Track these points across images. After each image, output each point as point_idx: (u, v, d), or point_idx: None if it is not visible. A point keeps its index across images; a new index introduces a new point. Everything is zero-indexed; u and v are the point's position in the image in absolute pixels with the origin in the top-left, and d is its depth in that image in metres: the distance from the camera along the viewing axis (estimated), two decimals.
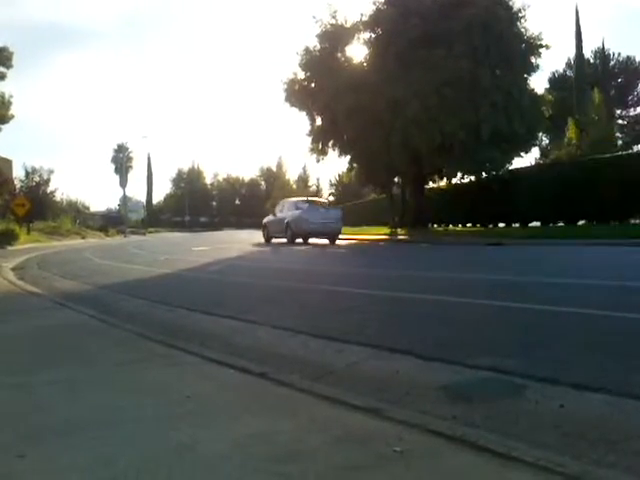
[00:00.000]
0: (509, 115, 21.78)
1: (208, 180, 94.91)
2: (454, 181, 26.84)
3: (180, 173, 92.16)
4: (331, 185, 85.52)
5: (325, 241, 19.48)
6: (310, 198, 23.52)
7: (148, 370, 2.78)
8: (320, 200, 25.73)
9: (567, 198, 20.26)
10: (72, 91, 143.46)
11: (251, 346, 3.53)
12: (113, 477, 1.57)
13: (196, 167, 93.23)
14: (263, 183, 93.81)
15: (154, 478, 1.57)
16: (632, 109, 50.41)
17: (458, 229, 26.03)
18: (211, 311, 4.83)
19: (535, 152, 37.39)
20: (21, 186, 34.72)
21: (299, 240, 19.51)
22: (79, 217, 49.05)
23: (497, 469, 1.56)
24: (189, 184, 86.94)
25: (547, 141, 41.65)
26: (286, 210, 20.27)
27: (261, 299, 5.72)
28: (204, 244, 21.66)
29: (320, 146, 27.29)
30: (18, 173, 37.58)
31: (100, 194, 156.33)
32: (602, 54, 47.73)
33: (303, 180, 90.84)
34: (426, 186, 28.08)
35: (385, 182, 28.30)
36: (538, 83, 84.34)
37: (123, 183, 63.71)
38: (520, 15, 23.45)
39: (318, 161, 28.32)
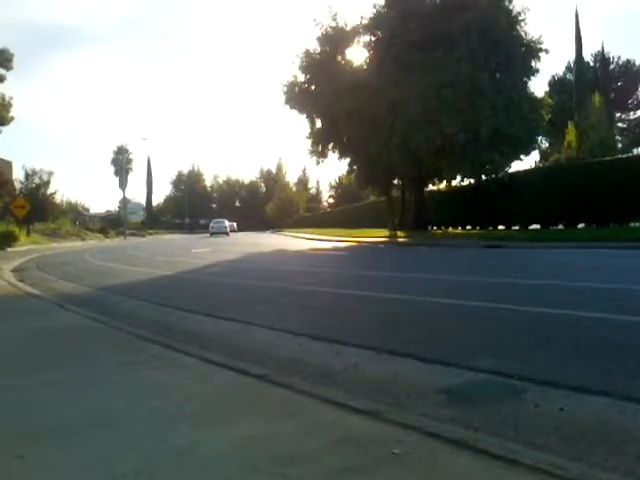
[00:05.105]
0: (509, 118, 21.77)
1: (208, 182, 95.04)
2: (454, 183, 26.86)
3: (180, 175, 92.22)
4: (331, 187, 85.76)
5: (327, 245, 20.53)
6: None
7: (147, 371, 2.78)
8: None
9: (567, 201, 20.26)
10: (72, 93, 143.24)
11: (250, 348, 3.53)
12: (112, 478, 1.57)
13: (196, 169, 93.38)
14: (263, 185, 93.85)
15: (153, 479, 1.57)
16: (632, 112, 50.52)
17: (457, 231, 26.00)
18: (210, 313, 4.83)
19: (535, 155, 37.46)
20: (21, 188, 34.66)
21: (295, 244, 19.77)
22: (79, 219, 49.11)
23: (496, 472, 1.55)
24: (189, 186, 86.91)
25: (547, 144, 41.67)
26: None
27: (260, 301, 5.71)
28: (204, 246, 21.67)
29: (320, 148, 27.30)
30: (18, 175, 37.58)
31: (100, 196, 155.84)
32: (602, 57, 47.73)
33: (303, 182, 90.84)
34: (426, 188, 28.07)
35: (385, 184, 28.28)
36: (538, 86, 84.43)
37: (123, 185, 63.70)
38: (519, 19, 23.44)
39: (318, 163, 28.39)
